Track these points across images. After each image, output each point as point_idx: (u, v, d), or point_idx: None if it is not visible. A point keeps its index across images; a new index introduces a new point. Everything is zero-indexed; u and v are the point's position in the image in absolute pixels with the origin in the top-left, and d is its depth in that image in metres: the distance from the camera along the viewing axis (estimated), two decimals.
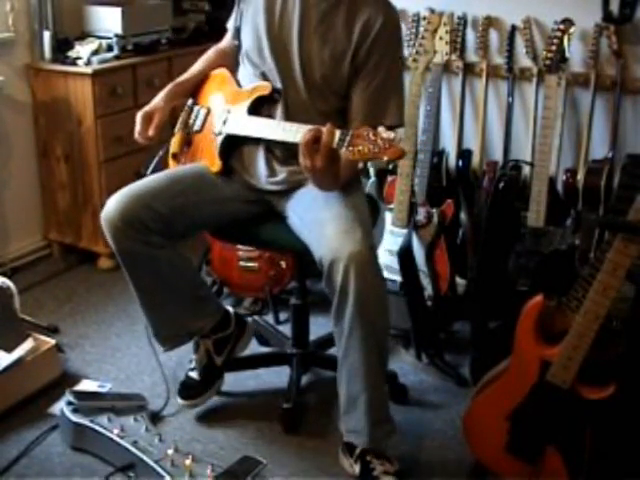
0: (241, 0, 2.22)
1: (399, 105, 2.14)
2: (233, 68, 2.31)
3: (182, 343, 2.30)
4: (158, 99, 2.26)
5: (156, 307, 2.21)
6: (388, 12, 2.10)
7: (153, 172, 2.28)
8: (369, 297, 1.91)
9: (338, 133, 1.84)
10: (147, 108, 2.24)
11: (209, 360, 2.35)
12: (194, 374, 2.37)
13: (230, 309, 2.42)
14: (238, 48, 2.26)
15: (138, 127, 2.23)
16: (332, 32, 2.07)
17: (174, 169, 2.32)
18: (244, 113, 2.16)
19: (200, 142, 2.30)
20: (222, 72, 2.32)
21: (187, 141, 2.32)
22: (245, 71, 2.23)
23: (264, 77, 2.15)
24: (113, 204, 2.08)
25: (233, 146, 2.21)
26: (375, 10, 2.06)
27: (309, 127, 1.91)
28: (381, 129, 1.79)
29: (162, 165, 2.37)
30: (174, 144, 2.36)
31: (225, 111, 2.22)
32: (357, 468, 2.08)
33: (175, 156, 2.35)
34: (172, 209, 2.11)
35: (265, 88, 2.13)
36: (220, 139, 2.21)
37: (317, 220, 2.01)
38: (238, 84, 2.26)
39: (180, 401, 2.34)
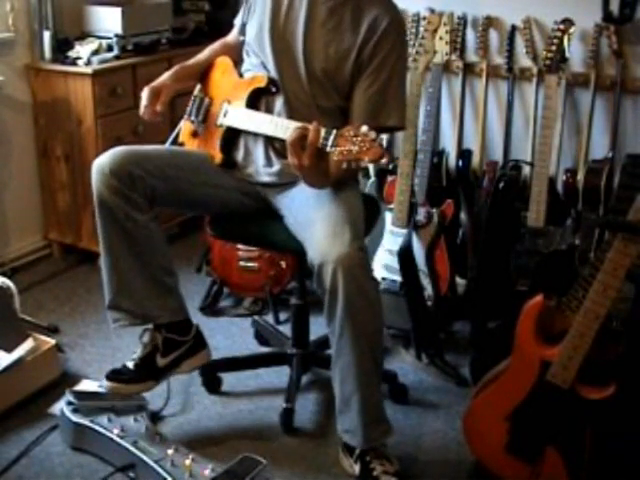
0: None
1: (401, 107, 2.14)
2: (237, 62, 2.32)
3: (134, 324, 2.19)
4: (165, 77, 2.26)
5: (118, 272, 2.13)
6: (394, 14, 2.11)
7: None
8: (358, 299, 1.90)
9: (323, 132, 1.85)
10: (155, 84, 2.23)
11: (151, 354, 2.23)
12: (130, 363, 2.24)
13: (195, 323, 2.31)
14: (243, 43, 2.26)
15: (145, 102, 2.20)
16: (338, 29, 2.07)
17: (179, 147, 2.35)
18: (242, 106, 2.17)
19: (204, 132, 2.30)
20: (225, 59, 2.33)
21: (194, 131, 2.33)
22: (248, 60, 2.24)
23: (265, 67, 2.16)
24: (107, 154, 2.09)
25: (235, 137, 2.22)
26: (382, 10, 2.07)
27: (299, 124, 1.91)
28: (364, 128, 1.78)
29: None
30: (182, 133, 2.38)
31: (225, 102, 2.23)
32: (357, 468, 2.08)
33: (182, 145, 2.37)
34: (164, 177, 2.11)
35: (262, 80, 2.14)
36: (221, 132, 2.22)
37: (308, 220, 2.01)
38: (240, 75, 2.27)
39: (105, 382, 2.22)
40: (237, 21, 2.38)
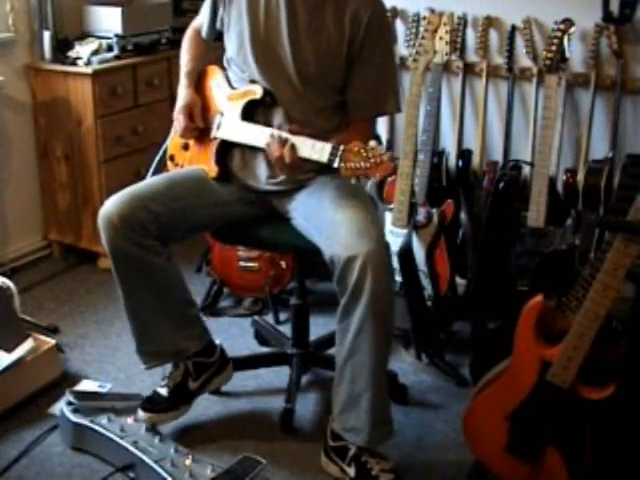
0: (221, 3, 2.18)
1: (396, 91, 2.18)
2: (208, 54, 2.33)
3: (164, 362, 2.26)
4: (188, 92, 2.24)
5: (143, 318, 2.16)
6: (375, 4, 2.11)
7: (154, 173, 2.29)
8: (383, 296, 1.91)
9: (329, 148, 1.87)
10: (185, 103, 2.22)
11: (183, 381, 2.26)
12: (163, 390, 2.27)
13: (217, 341, 2.37)
14: (223, 50, 2.24)
15: (183, 123, 2.20)
16: (323, 29, 2.07)
17: (173, 173, 2.31)
18: (237, 119, 2.15)
19: (196, 145, 2.29)
20: (215, 69, 2.31)
21: (184, 143, 2.31)
22: (234, 74, 2.22)
23: (253, 81, 2.15)
24: (112, 204, 2.07)
25: (230, 149, 2.20)
26: (362, 3, 2.07)
27: (289, 136, 1.95)
28: (372, 143, 1.81)
29: (162, 165, 2.37)
30: (172, 146, 2.35)
31: (219, 114, 2.22)
32: (352, 470, 2.06)
33: (173, 158, 2.35)
34: (171, 212, 2.10)
35: (256, 92, 2.13)
36: (215, 144, 2.20)
37: (329, 221, 2.01)
38: (229, 83, 2.24)
39: (140, 414, 2.23)
40: (202, 20, 2.31)
